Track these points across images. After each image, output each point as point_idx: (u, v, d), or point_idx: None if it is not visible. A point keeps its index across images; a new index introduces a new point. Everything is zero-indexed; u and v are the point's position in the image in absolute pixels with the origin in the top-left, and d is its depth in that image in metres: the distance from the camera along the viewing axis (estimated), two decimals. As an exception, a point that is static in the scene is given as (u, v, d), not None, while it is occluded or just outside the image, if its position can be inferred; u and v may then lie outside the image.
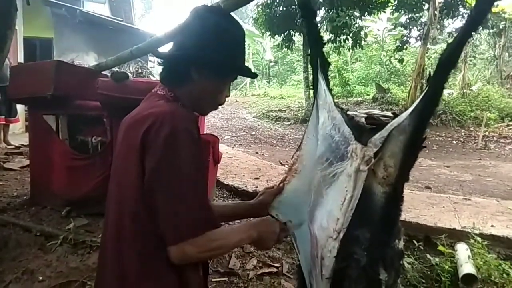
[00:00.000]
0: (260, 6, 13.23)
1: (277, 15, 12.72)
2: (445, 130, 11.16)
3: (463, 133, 10.97)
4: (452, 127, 11.41)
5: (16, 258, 2.74)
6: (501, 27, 15.80)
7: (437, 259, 2.71)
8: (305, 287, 1.28)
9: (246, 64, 1.14)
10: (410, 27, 14.02)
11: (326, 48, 13.28)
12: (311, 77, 1.40)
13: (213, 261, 2.78)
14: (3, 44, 3.37)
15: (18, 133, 7.54)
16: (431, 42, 14.07)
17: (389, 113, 1.16)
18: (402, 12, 13.56)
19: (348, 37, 12.69)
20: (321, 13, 12.55)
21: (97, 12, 11.12)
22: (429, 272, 2.69)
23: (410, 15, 13.62)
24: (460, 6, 12.41)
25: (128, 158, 0.96)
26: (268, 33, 13.72)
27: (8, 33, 3.36)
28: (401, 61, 15.87)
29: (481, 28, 12.99)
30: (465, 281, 2.48)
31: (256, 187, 4.29)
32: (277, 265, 2.85)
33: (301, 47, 15.85)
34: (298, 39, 16.22)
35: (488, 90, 14.13)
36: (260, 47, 24.28)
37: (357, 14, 12.47)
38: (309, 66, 1.43)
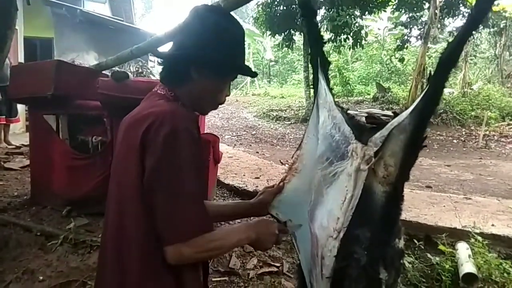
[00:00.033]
0: (261, 6, 13.22)
1: (278, 14, 12.71)
2: (445, 129, 11.16)
3: (463, 132, 10.97)
4: (453, 126, 11.41)
5: (16, 258, 2.74)
6: (501, 26, 15.78)
7: (437, 258, 2.71)
8: (305, 287, 1.28)
9: (247, 63, 1.14)
10: (411, 26, 13.99)
11: (327, 47, 13.35)
12: (311, 76, 1.40)
13: (214, 261, 2.79)
14: (3, 44, 3.37)
15: (18, 133, 7.55)
16: (431, 41, 14.05)
17: (389, 112, 1.16)
18: (403, 11, 13.54)
19: (349, 36, 12.69)
20: (321, 12, 12.55)
21: (98, 12, 11.12)
22: (429, 272, 2.69)
23: (410, 14, 13.59)
24: (461, 5, 12.38)
25: (128, 157, 0.96)
26: (268, 32, 13.71)
27: (8, 33, 3.36)
28: (401, 60, 15.85)
29: (481, 27, 12.99)
30: (465, 280, 2.47)
31: (257, 186, 4.29)
32: (278, 264, 2.85)
33: (302, 47, 15.83)
34: (298, 38, 16.21)
35: (489, 89, 14.13)
36: (261, 46, 24.27)
37: (357, 13, 12.47)
38: (310, 65, 1.42)
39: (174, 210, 0.90)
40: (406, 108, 0.98)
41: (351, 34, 12.60)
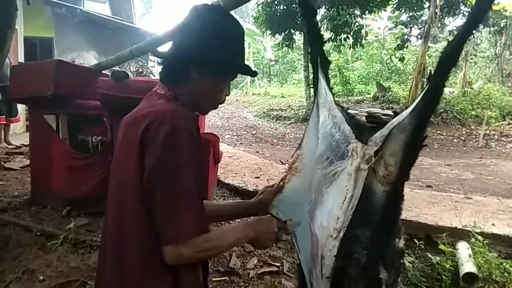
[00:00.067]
0: (261, 5, 13.22)
1: (278, 14, 12.71)
2: (446, 128, 11.15)
3: (464, 132, 10.96)
4: (453, 125, 11.39)
5: (16, 258, 2.74)
6: (502, 25, 15.77)
7: (438, 258, 2.71)
8: (305, 286, 1.28)
9: (247, 63, 1.14)
10: (411, 25, 13.98)
11: (327, 46, 13.35)
12: (311, 76, 1.40)
13: (214, 260, 2.78)
14: (3, 44, 3.37)
15: (18, 133, 7.55)
16: (432, 41, 14.03)
17: (389, 112, 1.16)
18: (403, 10, 13.54)
19: (349, 35, 12.69)
20: (321, 11, 12.54)
21: (98, 12, 11.11)
22: (430, 271, 2.69)
23: (410, 14, 13.59)
24: (461, 4, 12.37)
25: (127, 156, 0.96)
26: (268, 32, 13.71)
27: (8, 32, 3.36)
28: (401, 59, 15.83)
29: (482, 26, 13.00)
30: (466, 280, 2.47)
31: (257, 186, 4.29)
32: (278, 264, 2.85)
33: (302, 46, 15.83)
34: (298, 38, 16.20)
35: (489, 89, 14.11)
36: (261, 46, 24.27)
37: (357, 12, 12.46)
38: (310, 64, 1.42)
39: (173, 210, 0.90)
40: (406, 108, 0.98)
41: (351, 33, 12.60)
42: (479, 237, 2.70)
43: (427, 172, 6.51)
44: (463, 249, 2.69)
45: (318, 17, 12.06)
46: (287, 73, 25.81)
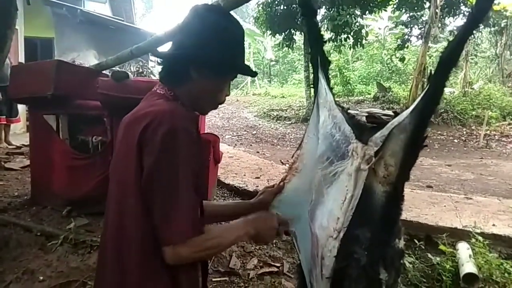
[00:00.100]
0: (261, 5, 13.23)
1: (278, 14, 12.71)
2: (446, 128, 11.15)
3: (464, 132, 10.95)
4: (454, 125, 11.39)
5: (16, 258, 2.74)
6: (502, 25, 15.76)
7: (438, 259, 2.71)
8: (305, 287, 1.28)
9: (247, 63, 1.14)
10: (411, 25, 13.99)
11: (327, 46, 13.35)
12: (312, 76, 1.40)
13: (214, 261, 2.78)
14: (3, 44, 3.37)
15: (19, 133, 7.55)
16: (432, 41, 14.04)
17: (390, 112, 1.16)
18: (403, 10, 13.55)
19: (349, 35, 12.69)
20: (322, 11, 12.55)
21: (98, 12, 11.11)
22: (430, 272, 2.69)
23: (411, 14, 13.60)
24: (461, 4, 12.37)
25: (127, 156, 0.95)
26: (269, 32, 13.71)
27: (8, 32, 3.36)
28: (402, 59, 15.83)
29: (482, 26, 13.00)
30: (466, 280, 2.47)
31: (257, 186, 4.29)
32: (278, 264, 2.84)
33: (302, 46, 15.84)
34: (299, 38, 16.21)
35: (490, 89, 14.11)
36: (261, 46, 24.28)
37: (358, 12, 12.47)
38: (310, 64, 1.42)
39: (172, 210, 0.89)
40: (407, 108, 0.98)
41: (352, 33, 12.60)
42: (480, 238, 2.70)
43: (428, 173, 6.51)
44: (463, 249, 2.69)
45: (319, 17, 12.07)
46: (287, 73, 25.82)
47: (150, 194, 0.91)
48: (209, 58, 1.01)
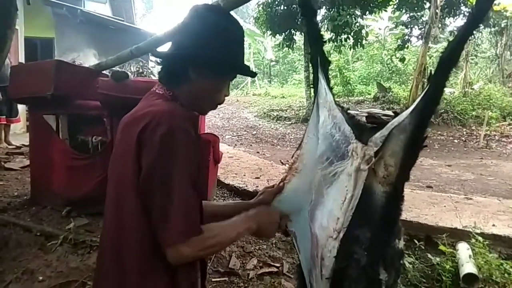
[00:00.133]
0: (261, 5, 13.24)
1: (278, 14, 12.71)
2: (446, 129, 11.15)
3: (464, 132, 10.95)
4: (454, 126, 11.40)
5: (16, 258, 2.74)
6: (502, 25, 15.76)
7: (438, 259, 2.71)
8: (305, 287, 1.28)
9: (247, 63, 1.13)
10: (412, 25, 13.99)
11: (327, 47, 13.35)
12: (312, 76, 1.40)
13: (213, 261, 2.78)
14: (3, 44, 3.36)
15: (19, 133, 7.55)
16: (432, 41, 14.05)
17: (390, 112, 1.16)
18: (404, 10, 13.55)
19: (349, 36, 12.69)
20: (322, 12, 12.55)
21: (98, 12, 11.11)
22: (430, 272, 2.69)
23: (411, 14, 13.60)
24: (462, 4, 12.38)
25: (125, 157, 0.95)
26: (269, 32, 13.71)
27: (8, 32, 3.36)
28: (402, 60, 15.83)
29: (482, 26, 12.99)
30: (466, 280, 2.47)
31: (257, 186, 4.28)
32: (278, 264, 2.84)
33: (302, 46, 15.85)
34: (299, 38, 16.22)
35: (490, 89, 14.11)
36: (261, 46, 24.28)
37: (358, 13, 12.47)
38: (310, 65, 1.42)
39: (170, 210, 0.89)
40: (407, 108, 0.98)
41: (352, 33, 12.60)
42: (480, 238, 2.70)
43: (428, 173, 6.51)
44: (463, 249, 2.69)
45: (319, 18, 12.07)
46: (287, 74, 25.81)
47: (149, 194, 0.91)
48: (209, 58, 1.01)
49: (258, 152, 8.34)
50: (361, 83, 18.77)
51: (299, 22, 12.18)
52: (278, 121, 13.46)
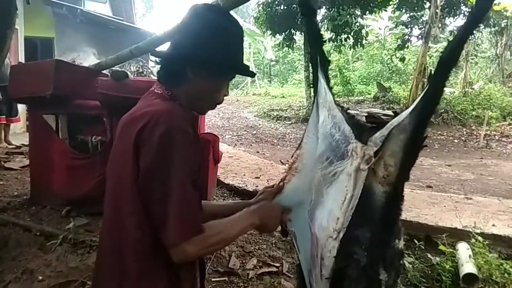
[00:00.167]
0: (261, 5, 13.23)
1: (278, 14, 12.71)
2: (446, 129, 11.14)
3: (464, 132, 10.95)
4: (454, 126, 11.39)
5: (16, 258, 2.74)
6: (503, 25, 15.75)
7: (438, 259, 2.71)
8: (305, 287, 1.28)
9: (247, 63, 1.13)
10: (412, 25, 13.98)
11: (327, 46, 13.35)
12: (312, 76, 1.40)
13: (213, 261, 2.78)
14: (3, 44, 3.36)
15: (19, 133, 7.54)
16: (432, 41, 14.03)
17: (390, 112, 1.15)
18: (404, 10, 13.54)
19: (349, 36, 12.69)
20: (322, 11, 12.54)
21: (98, 12, 11.11)
22: (430, 272, 2.69)
23: (411, 14, 13.59)
24: (462, 4, 12.37)
25: (123, 157, 0.95)
26: (269, 32, 13.71)
27: (8, 32, 3.35)
28: (402, 59, 15.82)
29: (482, 26, 13.00)
30: (466, 280, 2.47)
31: (257, 186, 4.28)
32: (277, 264, 2.84)
33: (302, 46, 15.85)
34: (299, 38, 16.21)
35: (490, 89, 14.10)
36: (261, 46, 24.27)
37: (358, 12, 12.46)
38: (310, 64, 1.42)
39: (171, 210, 0.89)
40: (407, 108, 0.97)
41: (352, 33, 12.60)
42: (479, 238, 2.70)
43: (428, 173, 6.51)
44: (463, 249, 2.69)
45: (319, 17, 12.07)
46: (287, 73, 25.81)
47: (148, 194, 0.91)
48: (208, 58, 1.00)
49: (258, 152, 8.34)
50: (361, 83, 18.76)
51: (299, 22, 12.17)
52: (278, 121, 13.45)
